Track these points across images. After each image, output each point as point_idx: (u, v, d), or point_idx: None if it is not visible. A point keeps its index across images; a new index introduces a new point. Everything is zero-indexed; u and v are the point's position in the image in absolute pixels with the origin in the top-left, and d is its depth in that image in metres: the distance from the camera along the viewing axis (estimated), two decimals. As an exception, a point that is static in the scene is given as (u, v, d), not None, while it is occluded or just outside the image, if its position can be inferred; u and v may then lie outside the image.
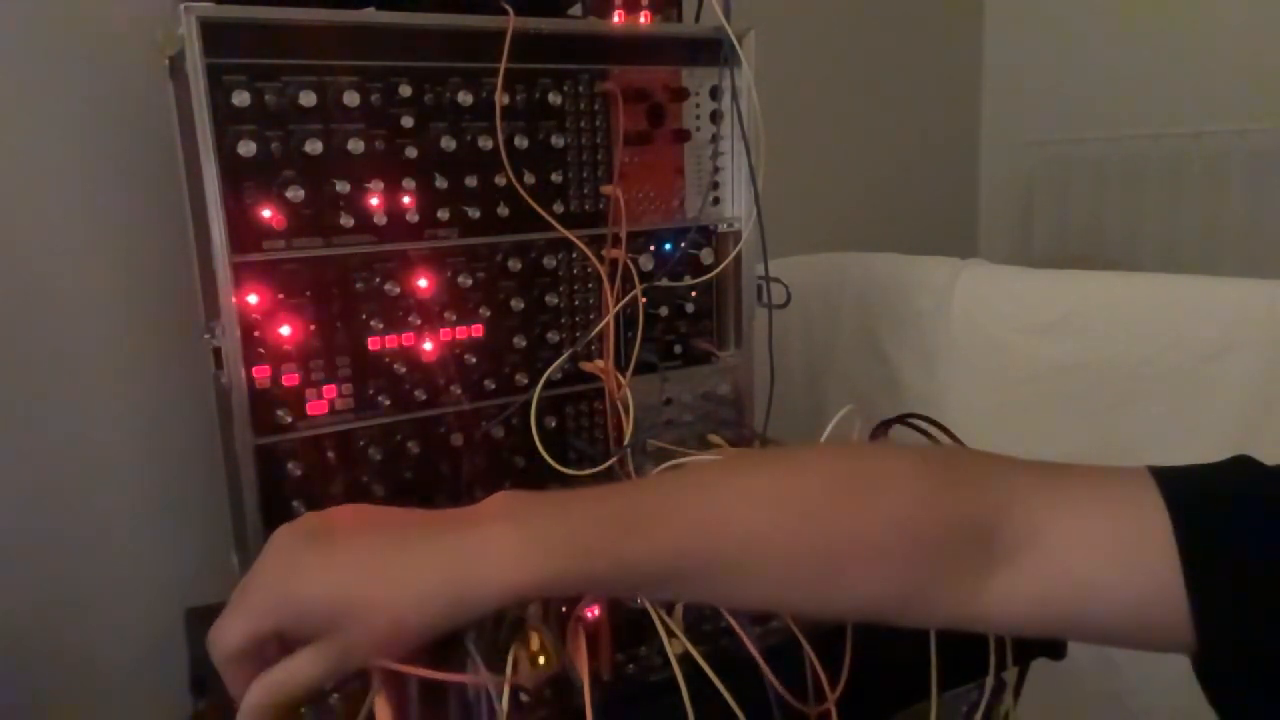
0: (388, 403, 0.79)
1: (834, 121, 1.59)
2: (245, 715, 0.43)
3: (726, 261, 0.93)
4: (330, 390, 0.77)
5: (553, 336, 0.87)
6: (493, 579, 0.43)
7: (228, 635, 0.43)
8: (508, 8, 0.77)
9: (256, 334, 0.73)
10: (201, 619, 0.81)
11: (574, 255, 0.86)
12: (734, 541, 0.46)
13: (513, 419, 0.85)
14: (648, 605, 0.61)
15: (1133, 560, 0.44)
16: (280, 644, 0.43)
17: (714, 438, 0.94)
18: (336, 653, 0.43)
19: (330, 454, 0.77)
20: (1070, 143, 1.68)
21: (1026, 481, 0.48)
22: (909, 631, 0.62)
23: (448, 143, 0.78)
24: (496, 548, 0.43)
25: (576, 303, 0.88)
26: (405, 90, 0.76)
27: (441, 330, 0.81)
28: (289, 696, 0.43)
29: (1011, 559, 0.46)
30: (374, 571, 0.43)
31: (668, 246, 0.91)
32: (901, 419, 0.72)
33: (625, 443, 0.84)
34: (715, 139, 0.92)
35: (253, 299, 0.72)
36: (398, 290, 0.78)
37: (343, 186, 0.74)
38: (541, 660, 0.50)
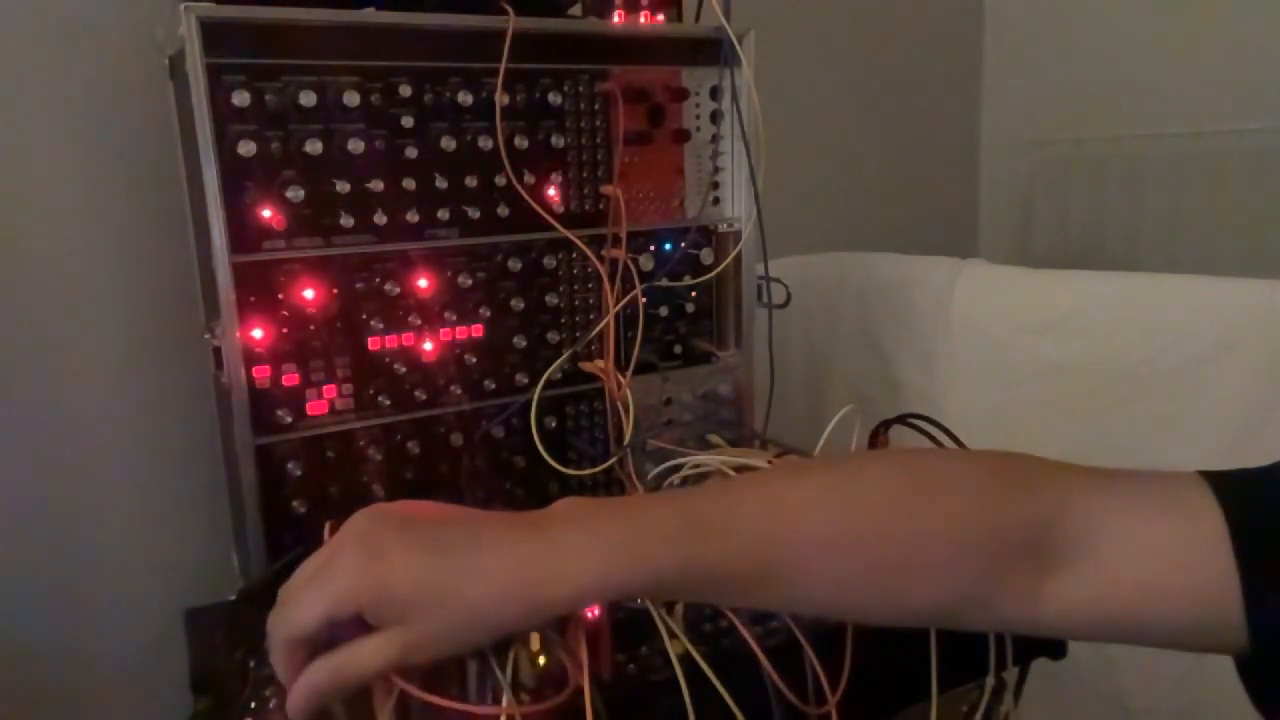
0: (388, 403, 0.79)
1: (834, 121, 1.59)
2: (304, 694, 0.44)
3: (726, 261, 0.93)
4: (330, 390, 0.77)
5: (553, 336, 0.87)
6: (566, 583, 0.43)
7: (305, 614, 0.43)
8: (508, 8, 0.77)
9: (257, 334, 0.73)
10: (201, 619, 0.81)
11: (574, 255, 0.86)
12: (799, 548, 0.46)
13: (513, 419, 0.85)
14: (648, 605, 0.61)
15: (1189, 564, 0.44)
16: (330, 630, 0.44)
17: (714, 438, 0.94)
18: (406, 642, 0.43)
19: (330, 454, 0.77)
20: (1070, 143, 1.68)
21: (1081, 486, 0.48)
22: (909, 631, 0.62)
23: (448, 143, 0.78)
24: (573, 553, 0.44)
25: (576, 303, 0.88)
26: (405, 90, 0.76)
27: (441, 330, 0.81)
28: (349, 681, 0.44)
29: (1068, 565, 0.46)
30: (458, 566, 0.43)
31: (668, 246, 0.91)
32: (901, 419, 0.72)
33: (625, 443, 0.84)
34: (715, 139, 0.92)
35: (252, 299, 0.72)
36: (398, 290, 0.78)
37: (343, 186, 0.74)
38: (542, 660, 0.50)
